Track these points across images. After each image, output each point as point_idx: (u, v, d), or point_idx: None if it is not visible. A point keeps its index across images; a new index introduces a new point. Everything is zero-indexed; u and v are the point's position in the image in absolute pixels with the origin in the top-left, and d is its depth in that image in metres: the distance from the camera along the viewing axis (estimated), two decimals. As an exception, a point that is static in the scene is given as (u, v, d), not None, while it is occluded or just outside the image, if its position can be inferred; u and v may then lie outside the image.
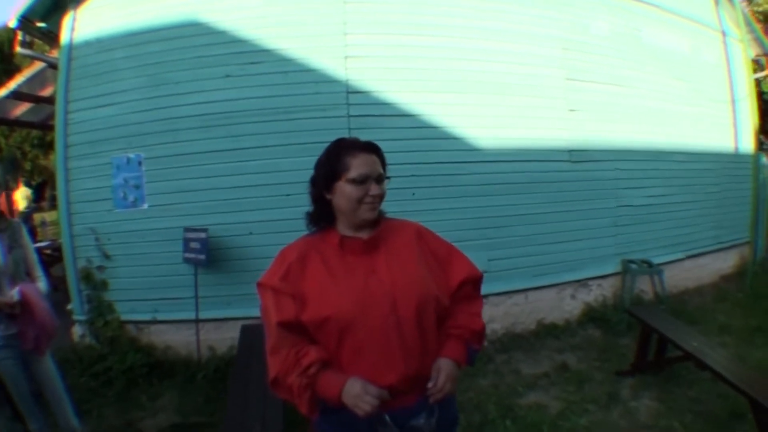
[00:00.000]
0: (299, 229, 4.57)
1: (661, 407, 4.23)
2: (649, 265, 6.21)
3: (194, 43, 5.15)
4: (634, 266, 6.13)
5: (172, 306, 5.23)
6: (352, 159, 1.85)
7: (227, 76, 5.09)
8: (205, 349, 5.09)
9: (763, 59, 10.50)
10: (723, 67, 8.13)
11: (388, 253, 1.90)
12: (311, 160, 4.63)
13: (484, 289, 4.14)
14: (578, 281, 5.98)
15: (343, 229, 1.93)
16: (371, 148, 1.92)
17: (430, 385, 1.78)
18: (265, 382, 2.32)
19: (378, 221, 1.95)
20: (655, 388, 4.55)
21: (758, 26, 9.92)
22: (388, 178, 1.95)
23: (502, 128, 5.43)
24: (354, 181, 1.83)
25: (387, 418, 1.72)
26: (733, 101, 8.03)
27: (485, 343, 4.77)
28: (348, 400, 1.67)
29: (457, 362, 1.86)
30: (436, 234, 2.08)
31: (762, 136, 10.71)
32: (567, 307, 5.86)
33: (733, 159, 7.84)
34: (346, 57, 5.04)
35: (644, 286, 6.38)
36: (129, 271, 5.29)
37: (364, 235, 1.91)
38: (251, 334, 4.43)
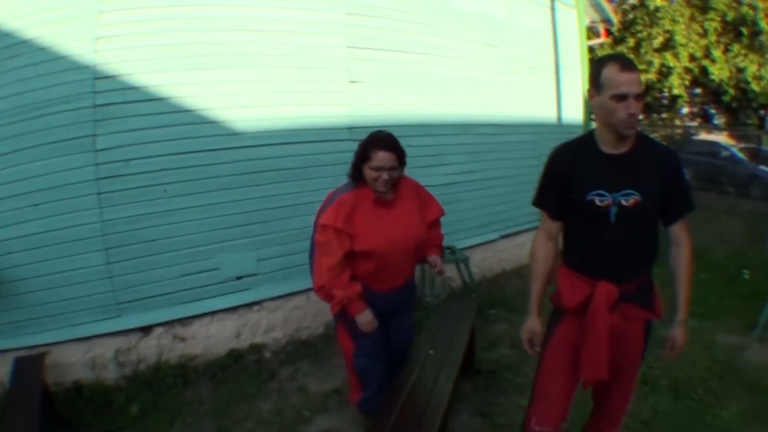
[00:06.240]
0: (57, 242, 4.14)
1: (485, 424, 3.80)
2: (452, 251, 5.66)
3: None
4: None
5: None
6: (374, 155, 2.88)
7: (-15, 74, 4.20)
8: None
9: (599, 26, 10.34)
10: (549, 34, 7.73)
11: (401, 207, 3.08)
12: (61, 162, 4.17)
13: (258, 295, 4.87)
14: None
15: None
16: (388, 147, 2.89)
17: (433, 265, 3.19)
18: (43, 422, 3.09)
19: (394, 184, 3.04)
20: (475, 398, 4.09)
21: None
22: (404, 165, 3.03)
23: (269, 106, 4.77)
24: (372, 168, 2.88)
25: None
26: (557, 69, 7.63)
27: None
28: (360, 319, 3.03)
29: (440, 257, 3.24)
30: (421, 185, 3.29)
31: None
32: (359, 305, 5.19)
33: (557, 129, 7.62)
34: (97, 38, 4.19)
35: (451, 273, 5.80)
36: None
37: (387, 195, 3.04)
38: (28, 367, 3.71)
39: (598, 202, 2.30)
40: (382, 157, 2.85)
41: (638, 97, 2.19)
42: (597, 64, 2.26)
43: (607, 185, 2.30)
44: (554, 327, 2.61)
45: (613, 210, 2.30)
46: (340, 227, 2.88)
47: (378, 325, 3.17)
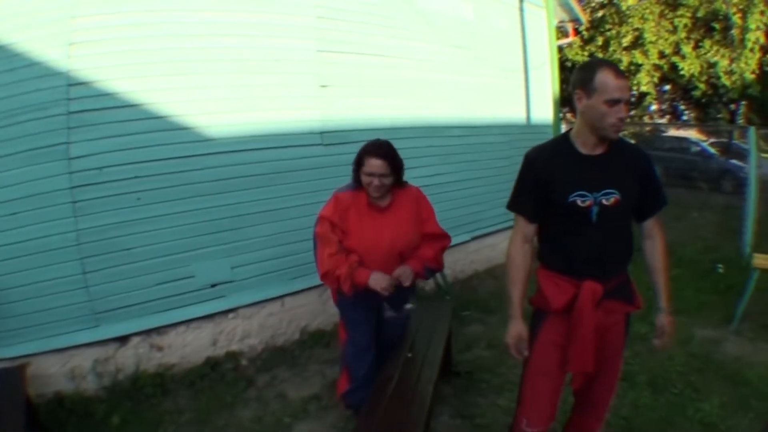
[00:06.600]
0: (33, 252, 4.11)
1: (465, 425, 3.86)
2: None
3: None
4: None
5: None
6: (367, 161, 3.15)
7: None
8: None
9: (568, 25, 10.53)
10: (517, 34, 7.91)
11: (395, 215, 3.31)
12: (36, 170, 4.16)
13: (233, 302, 4.93)
14: (342, 279, 5.45)
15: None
16: (380, 155, 3.14)
17: (394, 274, 3.21)
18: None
19: (392, 190, 3.33)
20: (454, 400, 4.16)
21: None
22: (395, 174, 3.24)
23: (240, 112, 4.84)
24: (364, 174, 3.17)
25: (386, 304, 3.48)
26: (526, 69, 7.81)
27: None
28: (372, 283, 3.16)
29: (413, 270, 3.28)
30: (427, 199, 3.51)
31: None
32: (333, 309, 5.21)
33: (526, 130, 7.80)
34: (70, 44, 4.20)
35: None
36: None
37: (381, 201, 3.30)
38: (10, 379, 3.68)
39: (580, 203, 2.39)
40: (373, 164, 3.13)
41: (627, 102, 2.31)
42: (588, 68, 2.35)
43: (588, 186, 2.38)
44: (537, 329, 2.64)
45: (595, 210, 2.39)
46: (336, 221, 3.22)
47: (371, 321, 3.59)
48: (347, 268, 3.19)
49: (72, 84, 4.17)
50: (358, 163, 3.22)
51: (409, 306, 3.49)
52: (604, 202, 2.38)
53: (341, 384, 3.79)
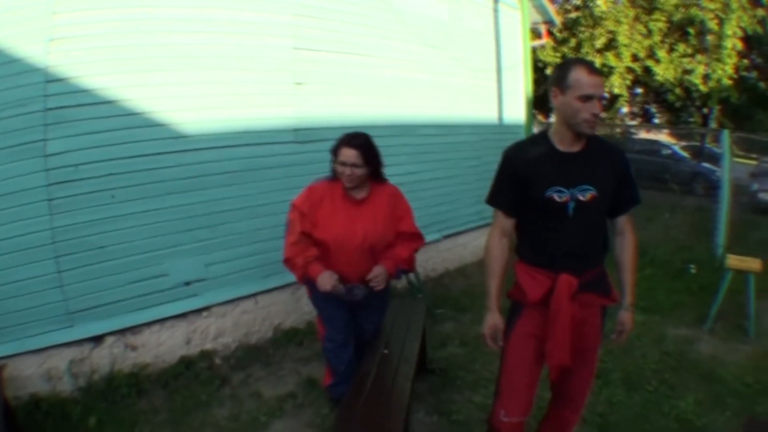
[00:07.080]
0: (8, 251, 4.07)
1: (442, 422, 3.95)
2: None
3: None
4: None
5: None
6: (341, 150, 3.29)
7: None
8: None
9: (541, 27, 10.72)
10: (491, 35, 8.06)
11: (370, 209, 3.42)
12: (13, 168, 4.12)
13: (206, 301, 4.97)
14: (317, 277, 5.53)
15: None
16: (354, 145, 3.28)
17: (369, 276, 3.36)
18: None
19: (368, 184, 3.45)
20: (430, 397, 4.26)
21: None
22: (369, 166, 3.35)
23: (215, 109, 4.88)
24: (338, 163, 3.31)
25: (343, 287, 3.37)
26: (499, 70, 7.97)
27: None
28: (319, 281, 3.32)
29: (387, 270, 3.44)
30: (404, 198, 3.65)
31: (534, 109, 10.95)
32: (307, 307, 5.41)
33: (497, 130, 7.98)
34: (50, 40, 4.19)
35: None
36: None
37: (356, 192, 3.42)
38: None
39: (557, 198, 2.49)
40: (345, 153, 3.27)
41: (601, 99, 2.40)
42: (563, 66, 2.48)
43: (564, 182, 2.48)
44: (514, 321, 2.74)
45: (571, 205, 2.49)
46: (305, 211, 3.36)
47: (346, 317, 3.71)
48: (302, 260, 3.40)
49: (50, 80, 4.16)
50: (335, 153, 3.35)
51: (358, 290, 3.44)
52: (581, 197, 2.49)
53: (326, 376, 4.04)
